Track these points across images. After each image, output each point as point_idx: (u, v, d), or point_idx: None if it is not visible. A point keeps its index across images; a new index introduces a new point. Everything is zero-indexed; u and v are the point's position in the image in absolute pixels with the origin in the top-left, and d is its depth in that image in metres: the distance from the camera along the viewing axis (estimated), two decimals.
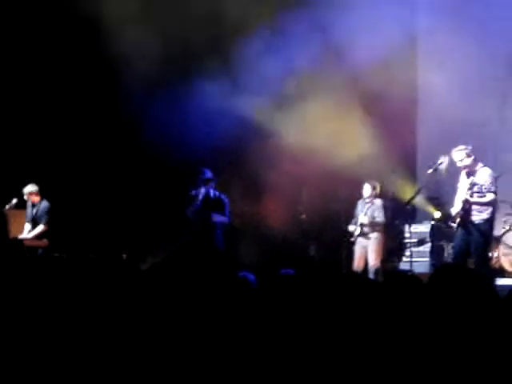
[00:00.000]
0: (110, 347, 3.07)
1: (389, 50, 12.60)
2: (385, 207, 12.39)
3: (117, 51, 12.71)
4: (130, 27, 12.75)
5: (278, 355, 3.01)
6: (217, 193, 11.58)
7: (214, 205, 11.43)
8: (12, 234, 12.11)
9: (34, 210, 12.22)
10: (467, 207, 10.06)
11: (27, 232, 12.26)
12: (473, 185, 10.05)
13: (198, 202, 11.35)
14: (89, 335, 3.15)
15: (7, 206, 12.06)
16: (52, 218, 12.24)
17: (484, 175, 10.18)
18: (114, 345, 3.08)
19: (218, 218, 11.49)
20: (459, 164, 10.25)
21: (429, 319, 3.23)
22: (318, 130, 12.76)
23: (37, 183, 12.27)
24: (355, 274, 9.86)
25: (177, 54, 12.98)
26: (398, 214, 12.96)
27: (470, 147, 10.25)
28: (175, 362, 2.99)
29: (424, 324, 3.20)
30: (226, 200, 11.63)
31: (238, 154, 13.25)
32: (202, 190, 11.42)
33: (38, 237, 12.16)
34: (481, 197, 10.06)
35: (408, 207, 11.89)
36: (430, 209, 13.11)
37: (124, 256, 10.61)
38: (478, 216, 10.08)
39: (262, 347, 3.04)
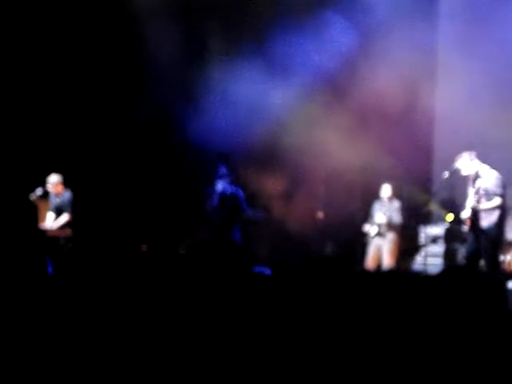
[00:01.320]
0: (127, 341, 3.10)
1: (408, 64, 12.67)
2: (402, 209, 12.50)
3: (143, 39, 12.90)
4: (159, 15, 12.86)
5: (290, 350, 3.02)
6: (233, 188, 11.64)
7: (231, 200, 11.50)
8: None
9: (58, 200, 12.25)
10: (475, 212, 10.10)
11: (51, 221, 12.31)
12: (479, 189, 10.07)
13: (215, 198, 11.41)
14: (106, 329, 3.18)
15: (32, 196, 12.13)
16: (75, 208, 12.30)
17: (491, 179, 10.17)
18: (130, 338, 3.11)
19: (249, 211, 11.58)
20: (464, 172, 10.27)
21: (437, 321, 3.21)
22: (338, 134, 12.83)
23: (60, 174, 12.30)
24: (369, 272, 9.95)
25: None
26: (414, 215, 13.00)
27: (473, 153, 10.25)
28: (191, 355, 3.02)
29: (433, 325, 3.19)
30: (242, 194, 11.68)
31: (261, 151, 13.33)
32: (219, 186, 11.47)
33: (62, 227, 12.22)
34: (488, 201, 10.08)
35: (423, 209, 11.92)
36: (443, 212, 13.14)
37: (144, 248, 10.74)
38: (487, 220, 10.08)
39: (275, 343, 3.06)
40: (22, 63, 13.29)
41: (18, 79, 13.29)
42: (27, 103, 13.40)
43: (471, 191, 10.27)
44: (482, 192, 10.09)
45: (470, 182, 10.35)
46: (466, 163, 10.22)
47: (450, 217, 12.86)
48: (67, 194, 12.25)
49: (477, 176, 10.22)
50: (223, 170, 11.55)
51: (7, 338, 3.09)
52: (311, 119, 13.04)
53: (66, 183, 12.40)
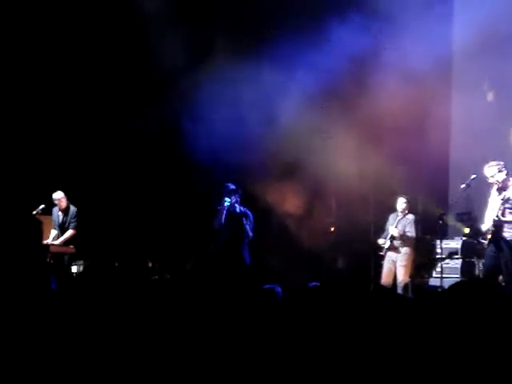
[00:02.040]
0: (133, 355, 3.06)
1: (423, 74, 12.46)
2: (416, 222, 12.27)
3: (148, 47, 12.81)
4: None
5: (301, 367, 2.97)
6: (242, 208, 11.48)
7: (239, 218, 11.33)
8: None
9: (62, 216, 12.31)
10: (499, 224, 9.84)
11: (53, 238, 12.26)
12: (505, 201, 9.84)
13: (223, 216, 11.25)
14: (110, 344, 3.12)
15: (34, 212, 12.04)
16: (79, 224, 12.28)
17: None
18: (136, 352, 3.06)
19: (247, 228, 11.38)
20: (491, 180, 10.02)
21: (451, 336, 3.19)
22: (351, 146, 12.64)
23: (62, 190, 12.35)
24: (383, 288, 9.76)
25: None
26: (429, 229, 12.79)
27: (501, 163, 10.03)
28: (198, 372, 2.97)
29: (448, 340, 3.15)
30: (250, 214, 11.51)
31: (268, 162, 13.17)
32: (226, 204, 11.32)
33: (65, 243, 12.14)
34: None
35: (439, 222, 11.74)
36: (460, 225, 12.94)
37: (149, 264, 10.57)
38: (510, 233, 9.84)
39: (285, 360, 2.99)
40: (27, 72, 13.26)
41: (22, 89, 13.25)
42: (31, 117, 13.37)
43: (495, 202, 9.98)
44: (507, 204, 9.82)
45: (492, 193, 10.07)
46: (494, 172, 9.96)
47: (467, 230, 12.66)
48: (72, 209, 12.30)
49: (503, 187, 9.95)
50: (231, 187, 11.35)
51: (11, 350, 3.08)
52: (322, 130, 12.83)
53: (72, 199, 12.41)
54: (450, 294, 3.60)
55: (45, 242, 12.03)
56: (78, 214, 12.27)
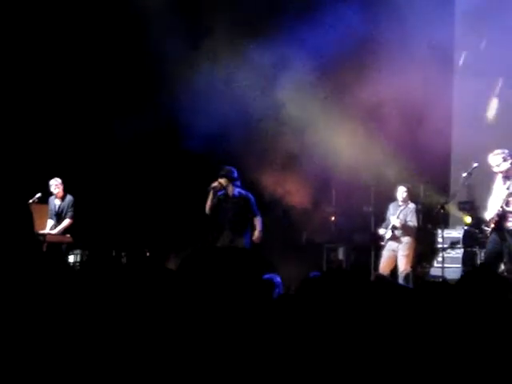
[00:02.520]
0: (130, 349, 3.01)
1: (425, 63, 12.38)
2: (417, 211, 12.21)
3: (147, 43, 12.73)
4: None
5: (301, 360, 2.93)
6: (244, 191, 11.15)
7: (242, 204, 11.03)
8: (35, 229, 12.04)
9: (59, 204, 12.26)
10: (502, 214, 9.74)
11: (50, 227, 12.20)
12: (510, 191, 9.73)
13: (215, 200, 10.93)
14: (109, 335, 3.08)
15: (31, 201, 11.95)
16: (77, 213, 12.25)
17: None
18: (133, 346, 3.02)
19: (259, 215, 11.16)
20: (496, 169, 9.90)
21: (459, 327, 3.18)
22: (351, 135, 12.56)
23: (60, 178, 12.31)
24: (385, 278, 9.70)
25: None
26: (431, 218, 12.73)
27: (506, 151, 9.91)
28: (197, 365, 2.92)
29: (454, 331, 3.15)
30: (252, 198, 11.22)
31: (264, 151, 13.09)
32: (230, 189, 11.04)
33: (62, 232, 12.10)
34: None
35: (441, 212, 11.67)
36: (462, 214, 12.89)
37: (147, 253, 10.51)
38: None
39: (283, 352, 2.96)
40: (25, 70, 13.25)
41: (21, 85, 13.24)
42: (31, 109, 13.36)
43: (500, 191, 9.87)
44: None
45: (497, 182, 9.96)
46: (499, 161, 9.84)
47: (469, 219, 12.60)
48: (69, 198, 12.25)
49: (507, 176, 9.84)
50: (233, 174, 11.07)
51: (9, 343, 3.02)
52: (323, 120, 12.74)
53: (69, 188, 12.36)
54: (456, 284, 3.57)
55: (41, 231, 11.97)
56: (74, 203, 12.21)
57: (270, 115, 12.82)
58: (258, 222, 11.07)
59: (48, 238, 11.82)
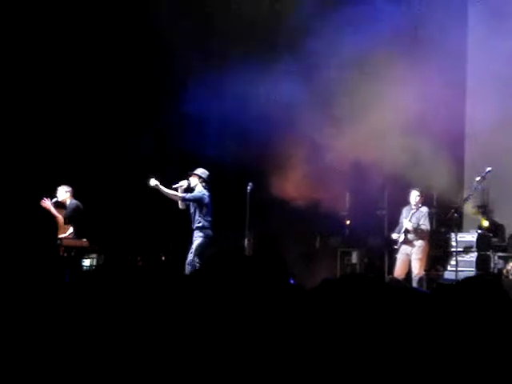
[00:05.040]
0: (150, 352, 3.00)
1: (438, 71, 12.43)
2: (430, 215, 12.22)
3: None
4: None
5: (319, 362, 2.91)
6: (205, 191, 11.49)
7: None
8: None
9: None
10: None
11: (69, 233, 12.21)
12: None
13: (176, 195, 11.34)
14: (122, 339, 3.06)
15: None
16: (83, 217, 12.19)
17: None
18: (154, 350, 3.00)
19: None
20: None
21: (474, 330, 3.07)
22: (365, 139, 12.56)
23: (76, 183, 12.32)
24: (398, 282, 9.71)
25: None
26: (444, 222, 12.73)
27: None
28: (224, 368, 2.93)
29: (469, 334, 3.05)
30: (204, 196, 11.51)
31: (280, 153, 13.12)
32: (179, 185, 11.39)
33: (79, 236, 12.10)
34: None
35: (455, 215, 11.68)
36: (479, 217, 12.85)
37: (162, 257, 10.57)
38: None
39: (306, 355, 2.93)
40: (41, 84, 13.36)
41: (30, 91, 13.33)
42: (42, 118, 13.42)
43: None
44: None
45: None
46: None
47: (486, 223, 12.59)
48: (71, 204, 12.20)
49: None
50: (205, 176, 11.41)
51: (20, 346, 3.01)
52: (338, 120, 12.74)
53: (87, 195, 12.37)
54: (467, 287, 3.57)
55: (59, 235, 12.03)
56: (76, 208, 12.14)
57: (285, 119, 12.82)
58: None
59: (64, 242, 11.87)
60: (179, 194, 11.42)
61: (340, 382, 2.88)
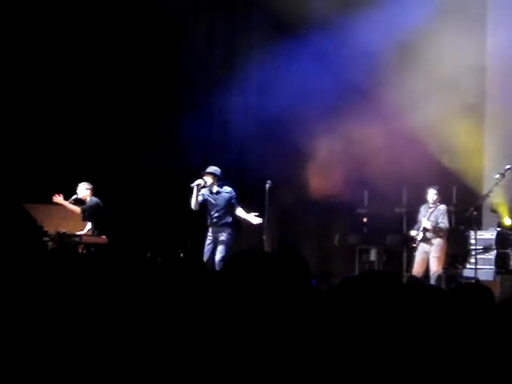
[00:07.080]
0: (168, 348, 3.02)
1: (457, 63, 12.44)
2: (449, 213, 12.19)
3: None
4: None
5: (336, 361, 2.95)
6: (224, 188, 11.40)
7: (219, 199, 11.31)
8: (72, 231, 12.13)
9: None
10: None
11: (88, 230, 12.28)
12: None
13: (193, 195, 11.25)
14: (142, 335, 3.08)
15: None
16: (102, 214, 12.25)
17: None
18: (172, 346, 3.02)
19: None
20: None
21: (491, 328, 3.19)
22: (384, 137, 12.57)
23: (96, 181, 12.39)
24: (417, 280, 9.71)
25: None
26: (464, 219, 12.69)
27: None
28: (247, 363, 2.94)
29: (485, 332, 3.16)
30: (233, 192, 11.44)
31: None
32: (195, 184, 11.26)
33: (99, 233, 12.14)
34: None
35: (474, 213, 11.64)
36: (503, 214, 12.79)
37: (181, 254, 10.56)
38: None
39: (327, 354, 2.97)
40: (55, 88, 13.48)
41: (40, 94, 13.43)
42: (65, 118, 13.53)
43: None
44: None
45: None
46: None
47: (509, 221, 12.54)
48: (90, 201, 12.26)
49: None
50: (218, 173, 11.36)
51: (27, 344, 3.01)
52: (355, 120, 12.75)
53: (108, 194, 12.46)
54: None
55: (78, 232, 12.10)
56: (93, 205, 12.19)
57: (302, 119, 12.84)
58: (241, 210, 11.35)
59: (83, 239, 11.92)
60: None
61: (360, 379, 2.91)
